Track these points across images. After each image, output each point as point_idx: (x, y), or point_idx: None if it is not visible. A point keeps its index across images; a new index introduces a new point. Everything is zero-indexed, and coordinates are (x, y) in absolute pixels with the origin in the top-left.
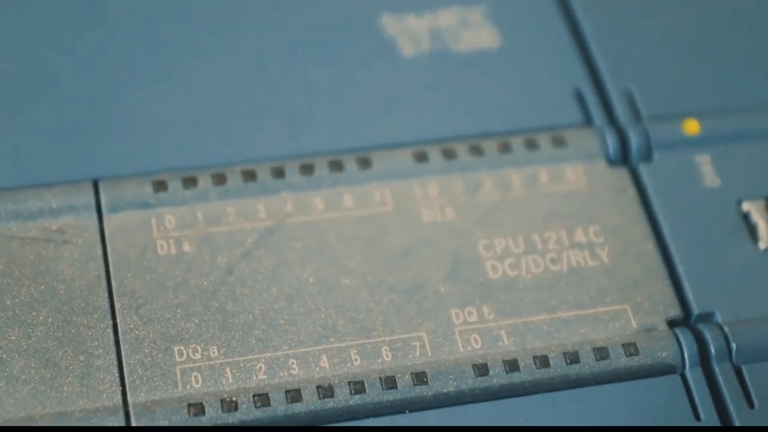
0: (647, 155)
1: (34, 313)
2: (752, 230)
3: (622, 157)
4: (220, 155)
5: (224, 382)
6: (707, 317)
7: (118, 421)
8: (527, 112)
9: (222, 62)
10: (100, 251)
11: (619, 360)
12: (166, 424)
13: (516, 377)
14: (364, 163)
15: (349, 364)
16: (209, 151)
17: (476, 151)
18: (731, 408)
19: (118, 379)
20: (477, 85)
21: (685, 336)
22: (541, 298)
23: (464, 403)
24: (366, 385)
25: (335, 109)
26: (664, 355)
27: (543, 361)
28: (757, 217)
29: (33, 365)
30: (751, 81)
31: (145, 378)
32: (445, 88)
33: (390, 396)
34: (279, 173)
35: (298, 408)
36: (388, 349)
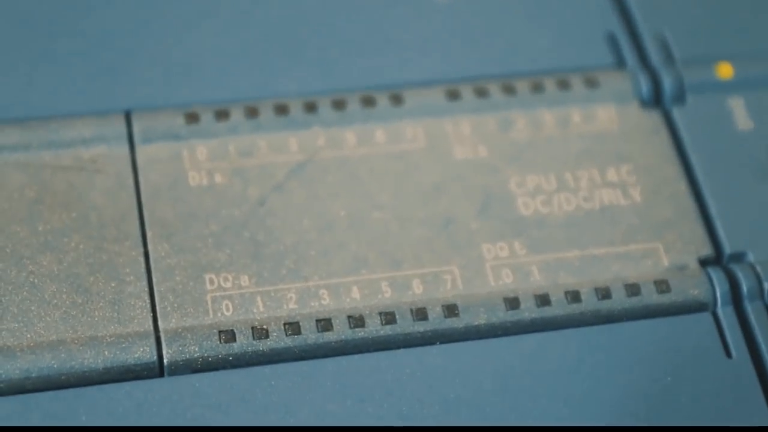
0: (680, 98)
1: (65, 240)
2: None
3: (655, 100)
4: (253, 89)
5: (255, 310)
6: (739, 257)
7: (149, 346)
8: (560, 54)
9: None
10: (131, 181)
11: (650, 297)
12: (197, 350)
13: (547, 311)
14: (396, 100)
15: (380, 296)
16: (242, 85)
17: (509, 90)
18: (763, 346)
19: (149, 306)
20: (510, 28)
21: (717, 274)
22: (573, 235)
23: (495, 335)
24: (397, 316)
25: (368, 47)
26: (695, 293)
27: (574, 296)
28: None
29: (65, 290)
30: None
31: (176, 305)
32: (478, 30)
33: (421, 327)
34: (311, 108)
35: (328, 337)
36: (419, 281)
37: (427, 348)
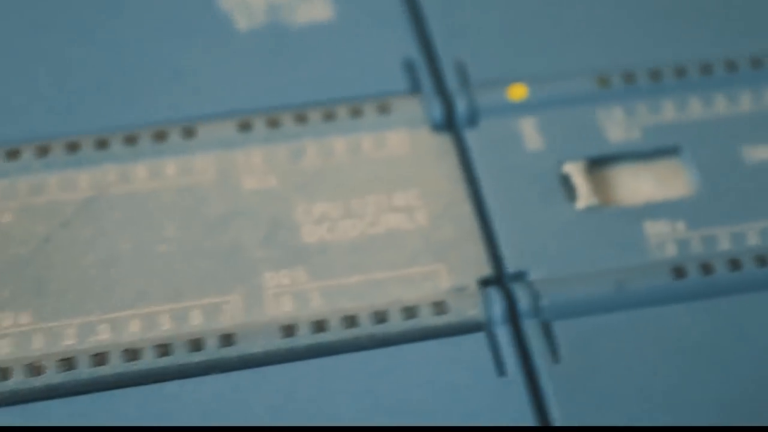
0: (473, 121)
1: None
2: (571, 191)
3: (448, 124)
4: (44, 128)
5: (32, 347)
6: (520, 276)
7: None
8: (357, 82)
9: (46, 33)
10: None
11: (427, 318)
12: None
13: (323, 337)
14: (189, 133)
15: (158, 328)
16: (32, 124)
17: (301, 119)
18: (537, 363)
19: None
20: (309, 57)
21: (495, 294)
22: (356, 261)
23: (271, 363)
24: (173, 348)
25: (162, 81)
26: (472, 312)
27: (351, 321)
28: (576, 178)
29: None
30: (577, 47)
31: None
32: (277, 61)
33: (197, 357)
34: (102, 144)
35: (103, 371)
36: (198, 312)
37: (203, 378)
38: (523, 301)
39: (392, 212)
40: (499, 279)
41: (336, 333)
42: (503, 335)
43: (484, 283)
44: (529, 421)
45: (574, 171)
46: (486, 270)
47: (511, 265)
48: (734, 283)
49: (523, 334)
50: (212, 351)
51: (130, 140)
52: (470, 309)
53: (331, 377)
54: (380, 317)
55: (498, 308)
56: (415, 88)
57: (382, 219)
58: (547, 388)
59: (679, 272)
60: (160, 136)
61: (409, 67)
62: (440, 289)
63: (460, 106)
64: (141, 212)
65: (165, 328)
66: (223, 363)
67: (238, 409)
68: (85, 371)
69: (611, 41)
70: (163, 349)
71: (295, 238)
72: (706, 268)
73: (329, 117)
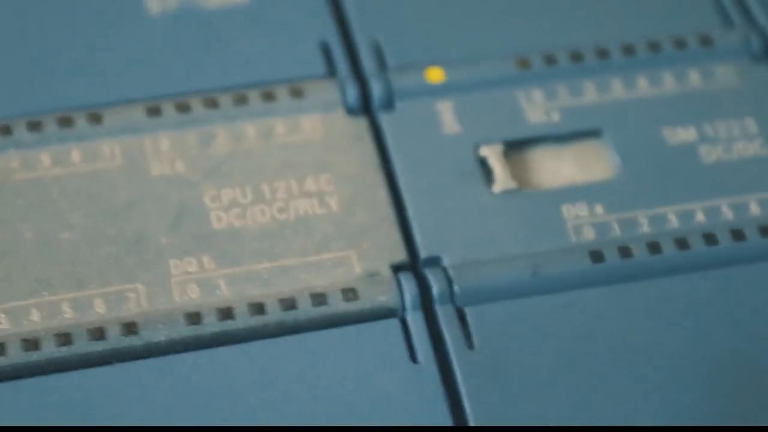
0: (389, 104)
1: None
2: (488, 175)
3: (363, 107)
4: None
5: None
6: (433, 261)
7: None
8: (271, 65)
9: None
10: None
11: (337, 305)
12: None
13: (229, 325)
14: (95, 119)
15: (59, 317)
16: None
17: (211, 104)
18: (450, 349)
19: None
20: (222, 41)
21: (407, 280)
22: (265, 247)
23: (176, 352)
24: (74, 337)
25: (69, 66)
26: (384, 299)
27: (258, 309)
28: (493, 162)
29: None
30: (496, 29)
31: None
32: (189, 44)
33: (98, 347)
34: (6, 131)
35: (1, 361)
36: (101, 300)
37: (105, 368)
38: (437, 286)
39: (303, 197)
40: (412, 264)
41: (243, 320)
42: (416, 321)
43: (397, 268)
44: (442, 407)
45: (492, 154)
46: (400, 255)
47: (425, 251)
48: (653, 267)
49: (436, 320)
50: (115, 340)
51: (35, 126)
52: (382, 295)
53: (239, 365)
54: (289, 304)
55: (410, 294)
56: (330, 71)
57: (292, 204)
58: (461, 374)
59: (596, 256)
60: (66, 122)
61: (325, 50)
62: (352, 276)
63: (376, 89)
64: (45, 199)
65: (67, 316)
66: (126, 352)
67: (141, 399)
68: None
69: (531, 22)
70: (65, 338)
71: (203, 224)
72: (625, 252)
73: (241, 101)
